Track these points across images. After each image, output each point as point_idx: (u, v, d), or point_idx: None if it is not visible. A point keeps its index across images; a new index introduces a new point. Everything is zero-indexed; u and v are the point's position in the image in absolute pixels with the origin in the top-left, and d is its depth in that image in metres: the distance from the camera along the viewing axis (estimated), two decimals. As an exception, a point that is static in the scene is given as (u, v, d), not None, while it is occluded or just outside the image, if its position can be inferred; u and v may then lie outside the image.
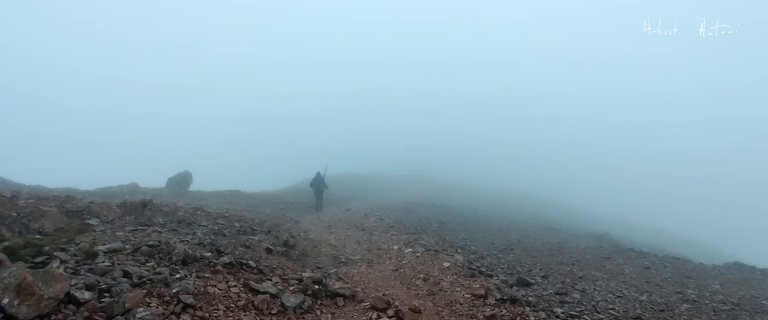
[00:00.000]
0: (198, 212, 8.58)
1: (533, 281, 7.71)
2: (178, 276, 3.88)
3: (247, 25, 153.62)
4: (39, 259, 3.65)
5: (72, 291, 2.94)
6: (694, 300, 7.89)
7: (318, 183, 17.21)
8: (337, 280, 5.71)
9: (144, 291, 3.35)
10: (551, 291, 7.27)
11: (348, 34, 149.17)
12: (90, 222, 5.87)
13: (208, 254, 4.79)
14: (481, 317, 4.89)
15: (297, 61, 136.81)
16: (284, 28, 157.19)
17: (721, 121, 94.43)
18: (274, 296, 4.14)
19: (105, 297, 3.13)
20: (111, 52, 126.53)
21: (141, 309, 3.07)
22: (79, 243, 4.31)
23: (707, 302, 7.89)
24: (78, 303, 2.91)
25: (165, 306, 3.30)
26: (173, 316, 3.26)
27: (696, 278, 10.22)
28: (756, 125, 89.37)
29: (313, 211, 16.36)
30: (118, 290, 3.24)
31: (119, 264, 3.85)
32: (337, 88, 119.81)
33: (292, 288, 4.63)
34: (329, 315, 4.45)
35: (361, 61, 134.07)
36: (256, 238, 6.96)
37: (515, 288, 6.81)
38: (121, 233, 5.22)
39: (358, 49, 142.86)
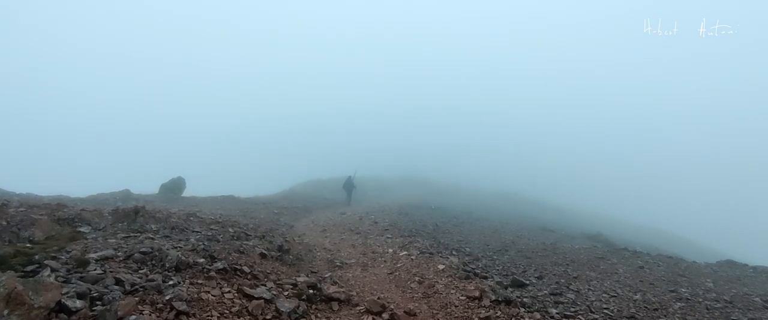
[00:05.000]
0: (191, 218, 8.52)
1: (528, 282, 7.73)
2: (171, 282, 3.85)
3: (245, 40, 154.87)
4: (29, 268, 3.60)
5: (63, 300, 2.91)
6: (688, 299, 7.95)
7: (349, 184, 21.60)
8: (332, 284, 5.69)
9: (136, 298, 3.32)
10: (546, 291, 7.29)
11: (344, 47, 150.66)
12: (81, 229, 5.81)
13: (202, 260, 4.75)
14: (476, 319, 4.90)
15: (295, 73, 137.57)
16: (280, 44, 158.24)
17: (714, 124, 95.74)
18: (268, 301, 4.11)
19: (97, 305, 3.10)
20: (107, 64, 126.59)
21: (133, 316, 3.04)
22: (70, 251, 4.27)
23: (700, 300, 7.95)
24: (69, 312, 2.88)
25: (158, 314, 3.27)
26: (166, 323, 3.23)
27: (689, 276, 10.30)
28: (748, 127, 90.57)
29: (345, 206, 19.94)
30: (111, 298, 3.21)
31: (111, 271, 3.81)
32: (336, 97, 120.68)
33: (286, 293, 4.61)
34: (324, 320, 4.43)
35: (358, 72, 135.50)
36: (250, 243, 6.92)
37: (510, 289, 6.83)
38: (113, 240, 5.17)
39: (355, 60, 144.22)
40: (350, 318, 4.60)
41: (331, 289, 5.13)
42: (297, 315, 4.14)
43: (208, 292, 3.92)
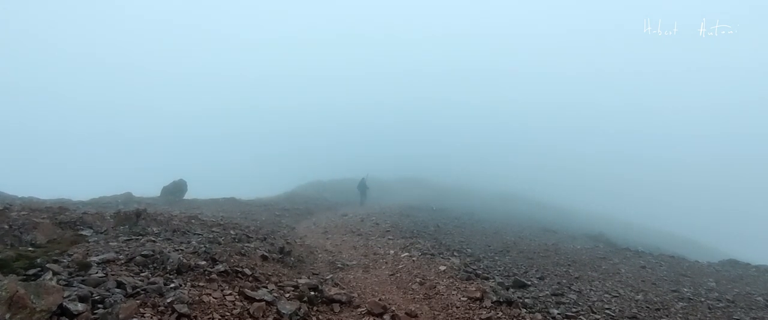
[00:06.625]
0: (193, 220, 8.53)
1: (529, 282, 7.73)
2: (172, 285, 3.86)
3: (245, 43, 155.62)
4: (31, 271, 3.61)
5: (65, 303, 2.91)
6: (690, 298, 7.94)
7: (363, 186, 23.51)
8: (334, 286, 5.70)
9: (138, 301, 3.33)
10: (547, 292, 7.28)
11: (345, 48, 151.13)
12: (83, 233, 5.82)
13: (203, 262, 4.76)
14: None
15: (295, 75, 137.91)
16: (280, 46, 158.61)
17: (716, 124, 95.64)
18: (269, 304, 4.12)
19: (98, 308, 3.10)
20: (108, 69, 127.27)
21: (135, 319, 3.05)
22: (72, 255, 4.28)
23: (703, 300, 7.94)
24: (71, 315, 2.88)
25: (159, 316, 3.28)
26: (168, 326, 3.24)
27: (691, 276, 10.28)
28: (750, 128, 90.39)
29: (359, 206, 21.37)
30: (112, 301, 3.22)
31: (113, 274, 3.82)
32: (336, 99, 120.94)
33: (287, 295, 4.61)
34: (325, 322, 4.43)
35: (359, 73, 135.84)
36: (252, 246, 6.93)
37: (511, 290, 6.83)
38: (115, 243, 5.18)
39: (355, 61, 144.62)
40: (351, 320, 4.61)
41: (332, 291, 5.14)
42: (298, 317, 4.14)
43: (210, 295, 3.93)
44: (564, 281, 8.41)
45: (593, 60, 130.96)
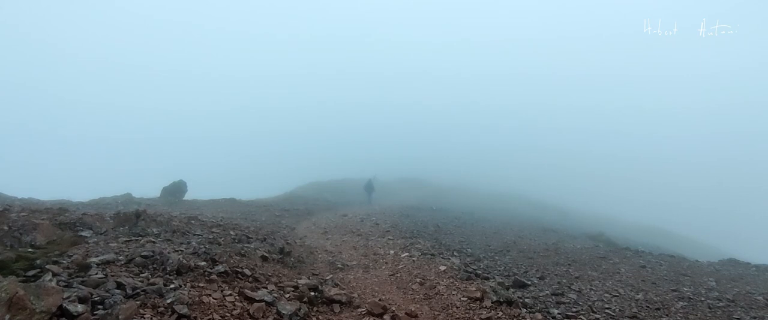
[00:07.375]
0: (192, 221, 8.53)
1: (530, 282, 7.73)
2: (172, 286, 3.86)
3: (244, 44, 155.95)
4: (31, 273, 3.61)
5: (64, 304, 2.91)
6: (690, 298, 7.93)
7: (369, 186, 24.19)
8: (334, 286, 5.70)
9: (138, 302, 3.33)
10: (548, 292, 7.29)
11: (345, 48, 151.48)
12: (83, 234, 5.82)
13: (203, 263, 4.76)
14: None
15: (296, 76, 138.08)
16: (279, 47, 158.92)
17: (716, 125, 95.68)
18: (269, 304, 4.12)
19: (98, 309, 3.10)
20: (108, 70, 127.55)
21: (135, 320, 3.05)
22: (71, 256, 4.28)
23: (703, 299, 7.93)
24: (71, 316, 2.88)
25: (159, 317, 3.28)
26: (168, 327, 3.24)
27: (691, 275, 10.27)
28: (750, 128, 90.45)
29: (363, 204, 21.71)
30: (112, 302, 3.22)
31: (112, 275, 3.82)
32: (336, 99, 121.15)
33: (287, 295, 4.61)
34: (325, 322, 4.43)
35: (359, 73, 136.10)
36: (252, 246, 6.93)
37: (512, 289, 6.83)
38: (115, 244, 5.18)
39: (356, 61, 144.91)
40: (351, 320, 4.61)
41: (332, 291, 5.14)
42: (298, 318, 4.14)
43: (210, 295, 3.93)
44: (564, 281, 8.41)
45: (593, 60, 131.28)
